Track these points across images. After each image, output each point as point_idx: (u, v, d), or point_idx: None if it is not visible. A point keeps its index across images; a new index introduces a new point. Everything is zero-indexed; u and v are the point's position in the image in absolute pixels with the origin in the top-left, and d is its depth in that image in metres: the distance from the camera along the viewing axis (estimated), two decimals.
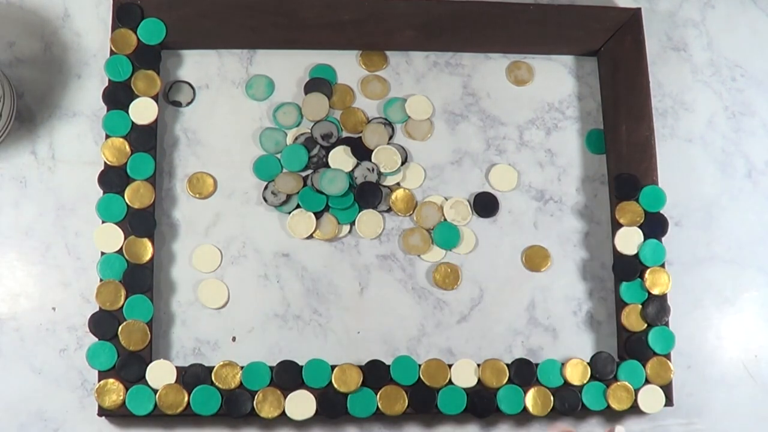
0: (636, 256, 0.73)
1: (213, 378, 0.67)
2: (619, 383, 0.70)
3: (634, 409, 0.70)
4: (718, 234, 0.76)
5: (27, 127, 0.72)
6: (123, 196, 0.70)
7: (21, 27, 0.74)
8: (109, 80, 0.72)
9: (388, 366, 0.69)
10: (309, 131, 0.74)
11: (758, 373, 0.74)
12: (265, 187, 0.72)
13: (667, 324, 0.72)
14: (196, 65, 0.75)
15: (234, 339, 0.70)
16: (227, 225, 0.72)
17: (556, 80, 0.77)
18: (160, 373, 0.67)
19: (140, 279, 0.69)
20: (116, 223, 0.69)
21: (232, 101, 0.74)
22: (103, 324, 0.68)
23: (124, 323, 0.68)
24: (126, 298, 0.68)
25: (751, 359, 0.74)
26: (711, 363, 0.74)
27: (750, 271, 0.76)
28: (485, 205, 0.74)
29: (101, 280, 0.68)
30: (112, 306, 0.68)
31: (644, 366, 0.71)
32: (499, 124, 0.76)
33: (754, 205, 0.77)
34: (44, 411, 0.68)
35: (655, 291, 0.72)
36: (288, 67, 0.75)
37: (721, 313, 0.75)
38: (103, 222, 0.69)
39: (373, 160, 0.73)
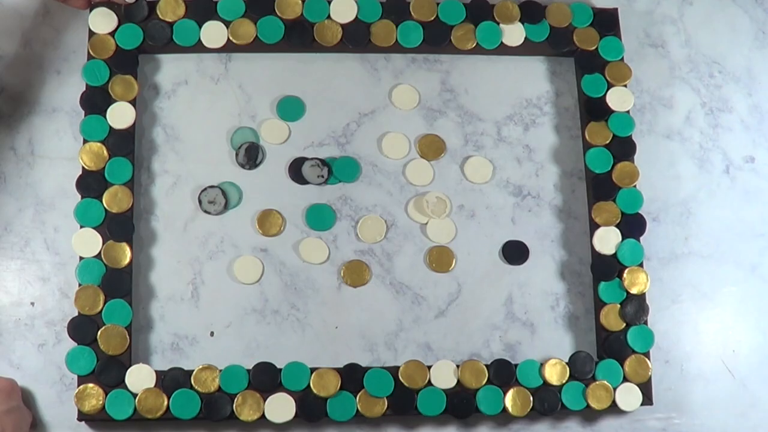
0: (614, 256, 0.73)
1: (192, 382, 0.67)
2: (597, 382, 0.70)
3: (613, 408, 0.70)
4: (695, 230, 0.76)
5: (6, 122, 0.72)
6: (101, 201, 0.70)
7: (0, 23, 0.74)
8: (87, 85, 0.72)
9: (366, 369, 0.69)
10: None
11: (736, 368, 0.74)
12: (202, 192, 0.72)
13: (645, 323, 0.72)
14: (175, 61, 0.75)
15: (212, 334, 0.70)
16: (206, 220, 0.72)
17: (534, 77, 0.78)
18: (140, 378, 0.67)
19: (119, 283, 0.69)
20: (94, 228, 0.69)
21: (210, 97, 0.75)
22: (82, 329, 0.68)
23: (103, 328, 0.68)
24: (105, 302, 0.68)
25: (729, 354, 0.74)
26: (689, 358, 0.74)
27: (727, 267, 0.76)
28: (514, 253, 0.74)
29: (80, 285, 0.68)
30: (91, 310, 0.68)
31: (622, 365, 0.71)
32: (477, 119, 0.77)
33: (731, 200, 0.77)
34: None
35: (634, 291, 0.72)
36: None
37: (699, 308, 0.75)
38: (81, 227, 0.69)
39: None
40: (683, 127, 0.79)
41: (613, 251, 0.73)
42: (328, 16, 0.75)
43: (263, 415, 0.67)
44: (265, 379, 0.68)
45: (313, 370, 0.68)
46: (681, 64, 0.80)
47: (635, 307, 0.72)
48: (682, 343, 0.74)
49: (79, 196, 0.70)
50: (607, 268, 0.73)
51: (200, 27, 0.73)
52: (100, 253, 0.69)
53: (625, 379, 0.71)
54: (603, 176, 0.74)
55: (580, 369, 0.71)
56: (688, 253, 0.76)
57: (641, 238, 0.73)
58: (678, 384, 0.73)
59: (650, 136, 0.78)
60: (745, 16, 0.81)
